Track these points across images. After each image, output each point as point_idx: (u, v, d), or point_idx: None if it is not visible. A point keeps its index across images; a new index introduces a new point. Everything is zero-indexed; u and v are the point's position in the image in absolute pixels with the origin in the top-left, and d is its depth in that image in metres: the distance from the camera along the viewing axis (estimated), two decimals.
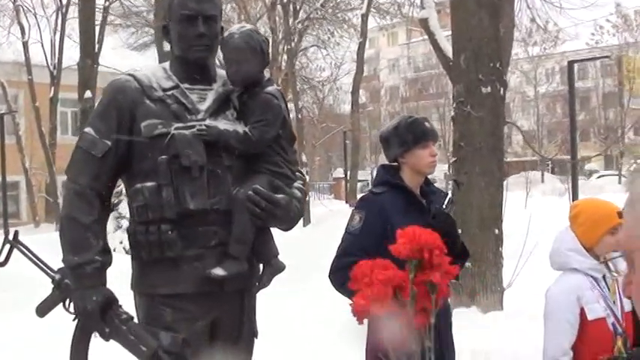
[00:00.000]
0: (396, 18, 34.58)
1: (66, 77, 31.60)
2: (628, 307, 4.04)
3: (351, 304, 2.41)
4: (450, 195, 4.50)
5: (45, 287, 3.75)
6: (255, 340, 3.96)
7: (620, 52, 49.19)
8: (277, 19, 30.90)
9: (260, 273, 3.90)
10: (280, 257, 3.93)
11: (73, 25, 29.29)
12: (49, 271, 3.73)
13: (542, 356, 4.16)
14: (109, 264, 3.66)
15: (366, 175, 48.72)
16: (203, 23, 3.71)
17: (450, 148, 29.06)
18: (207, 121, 3.70)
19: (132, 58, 30.98)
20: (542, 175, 47.12)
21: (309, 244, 15.21)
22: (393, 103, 63.52)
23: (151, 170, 3.63)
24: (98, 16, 25.08)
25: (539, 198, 31.76)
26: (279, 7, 30.32)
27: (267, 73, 4.01)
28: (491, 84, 9.47)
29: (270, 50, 4.05)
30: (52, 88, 33.17)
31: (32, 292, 4.45)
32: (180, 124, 3.66)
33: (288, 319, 9.29)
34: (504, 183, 10.62)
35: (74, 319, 3.65)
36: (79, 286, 3.57)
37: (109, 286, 3.64)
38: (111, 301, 3.59)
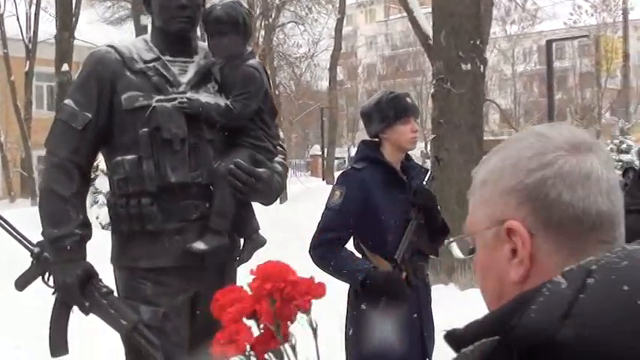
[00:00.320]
0: None
1: (41, 51, 31.35)
2: None
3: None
4: (430, 171, 4.50)
5: (24, 261, 3.72)
6: None
7: (598, 32, 49.29)
8: None
9: (241, 247, 3.89)
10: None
11: None
12: (28, 245, 3.70)
13: None
14: (89, 237, 3.62)
15: (343, 152, 48.74)
16: None
17: (427, 126, 29.11)
18: (189, 94, 3.67)
19: (108, 32, 30.68)
20: None
21: (287, 221, 15.18)
22: (371, 81, 63.32)
23: (132, 143, 3.60)
24: None
25: None
26: None
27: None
28: (471, 61, 9.48)
29: (252, 23, 4.02)
30: (28, 62, 32.84)
31: (11, 266, 4.41)
32: (162, 97, 3.62)
33: None
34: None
35: (53, 293, 3.62)
36: (58, 259, 3.54)
37: None
38: (91, 275, 3.56)
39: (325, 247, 4.18)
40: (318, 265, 4.14)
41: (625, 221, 1.33)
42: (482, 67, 9.77)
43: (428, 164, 15.53)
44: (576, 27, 45.36)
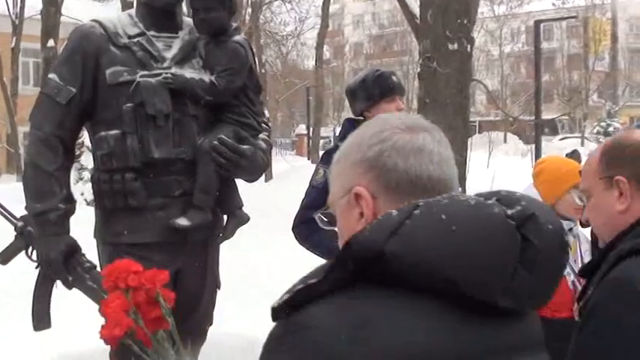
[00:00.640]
0: None
1: (28, 27, 31.11)
2: None
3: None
4: None
5: (8, 235, 3.72)
6: (218, 290, 3.96)
7: (586, 13, 49.34)
8: None
9: (224, 224, 3.90)
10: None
11: None
12: (11, 219, 3.69)
13: None
14: (73, 212, 3.63)
15: (329, 131, 48.60)
16: None
17: (412, 106, 29.09)
18: (173, 70, 3.66)
19: (95, 8, 30.49)
20: (505, 135, 47.36)
21: (271, 199, 15.17)
22: (357, 60, 63.25)
23: (116, 118, 3.59)
24: None
25: (501, 158, 31.95)
26: None
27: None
28: (458, 40, 9.46)
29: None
30: (14, 38, 32.65)
31: None
32: (146, 72, 3.62)
33: (252, 272, 9.29)
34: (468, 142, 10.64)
35: (37, 267, 3.63)
36: (42, 233, 3.54)
37: None
38: (74, 250, 3.56)
39: (308, 225, 4.19)
40: (300, 243, 4.15)
41: None
42: (469, 46, 9.75)
43: None
44: (565, 8, 45.36)
